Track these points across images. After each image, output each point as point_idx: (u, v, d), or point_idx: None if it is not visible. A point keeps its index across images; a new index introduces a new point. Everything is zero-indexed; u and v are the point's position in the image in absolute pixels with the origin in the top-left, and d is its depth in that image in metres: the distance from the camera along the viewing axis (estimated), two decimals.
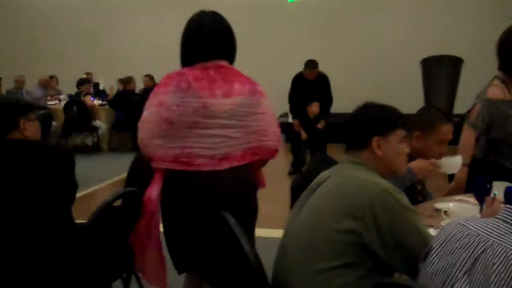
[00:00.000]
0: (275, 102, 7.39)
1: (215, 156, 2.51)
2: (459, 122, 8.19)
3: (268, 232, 4.96)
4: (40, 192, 2.37)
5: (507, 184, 2.69)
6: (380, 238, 1.91)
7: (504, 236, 1.42)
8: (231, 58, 2.67)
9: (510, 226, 1.45)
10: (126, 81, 10.43)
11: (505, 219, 1.47)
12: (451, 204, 2.68)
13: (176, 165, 2.51)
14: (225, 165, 2.52)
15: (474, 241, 1.47)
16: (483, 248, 1.43)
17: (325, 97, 7.84)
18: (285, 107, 8.25)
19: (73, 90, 10.86)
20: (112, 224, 2.44)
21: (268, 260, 2.04)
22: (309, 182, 2.86)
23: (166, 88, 2.54)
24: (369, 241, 1.91)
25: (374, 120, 2.15)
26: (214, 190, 2.50)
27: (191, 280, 2.72)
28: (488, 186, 2.48)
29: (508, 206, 1.50)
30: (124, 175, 6.64)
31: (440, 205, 2.71)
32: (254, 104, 2.59)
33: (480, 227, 1.49)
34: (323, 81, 7.86)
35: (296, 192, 3.12)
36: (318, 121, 7.81)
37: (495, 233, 1.45)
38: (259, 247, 2.18)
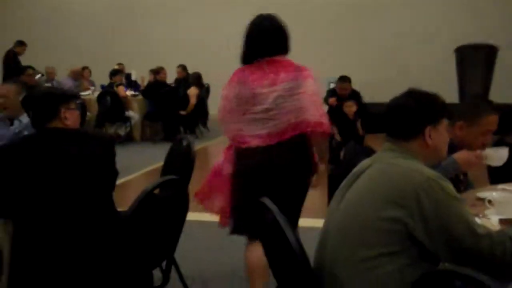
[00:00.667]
0: None
1: (260, 135, 3.10)
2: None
3: (305, 222, 4.94)
4: (83, 179, 2.40)
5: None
6: (425, 227, 1.88)
7: None
8: (284, 51, 3.19)
9: None
10: (156, 72, 10.48)
11: None
12: (494, 193, 2.63)
13: (235, 143, 3.24)
14: (268, 142, 3.09)
15: None
16: None
17: (359, 113, 7.76)
18: None
19: (106, 81, 10.95)
20: (152, 212, 2.45)
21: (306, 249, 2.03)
22: (348, 170, 2.85)
23: (229, 83, 3.23)
24: (414, 230, 1.89)
25: (427, 108, 2.11)
26: (261, 161, 3.09)
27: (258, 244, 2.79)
28: None
29: None
30: (156, 164, 6.76)
31: (483, 194, 2.66)
32: (295, 87, 3.06)
33: None
34: (355, 97, 7.83)
35: (334, 180, 3.10)
36: (355, 122, 7.72)
37: None
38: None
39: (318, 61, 8.04)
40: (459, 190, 2.81)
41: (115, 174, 2.55)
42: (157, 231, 2.58)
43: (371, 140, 7.09)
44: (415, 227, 1.89)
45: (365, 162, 2.18)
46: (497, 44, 10.12)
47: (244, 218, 3.14)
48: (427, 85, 4.53)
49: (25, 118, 3.87)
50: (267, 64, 3.11)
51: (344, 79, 7.81)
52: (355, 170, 2.19)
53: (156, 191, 2.65)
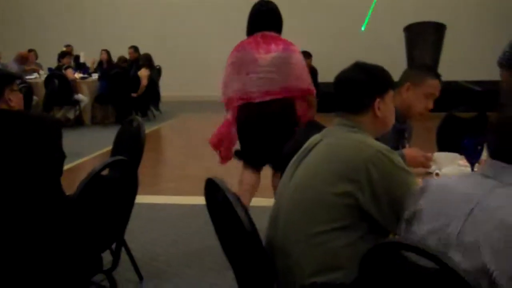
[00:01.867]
0: None
1: (261, 92, 3.89)
2: (443, 88, 8.09)
3: (259, 202, 4.94)
4: (29, 162, 2.32)
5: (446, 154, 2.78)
6: (375, 200, 1.89)
7: (490, 193, 1.43)
8: (275, 29, 4.03)
9: (494, 181, 1.45)
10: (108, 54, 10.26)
11: (488, 174, 1.49)
12: (444, 169, 2.66)
13: (241, 100, 3.98)
14: (267, 98, 3.89)
15: (462, 200, 1.47)
16: (471, 207, 1.43)
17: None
18: None
19: (54, 64, 10.67)
20: (100, 194, 2.39)
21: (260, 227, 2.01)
22: (300, 147, 2.85)
23: (233, 53, 4.06)
24: (364, 203, 1.90)
25: (375, 81, 2.11)
26: (261, 113, 3.92)
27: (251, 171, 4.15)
28: (480, 148, 2.46)
29: (489, 161, 1.51)
30: (107, 148, 6.60)
31: (433, 166, 2.70)
32: (286, 57, 3.91)
33: (463, 186, 1.51)
34: (312, 74, 7.82)
35: (287, 159, 3.09)
36: None
37: (480, 191, 1.45)
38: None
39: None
40: None
41: (61, 157, 2.47)
42: (105, 213, 2.52)
43: (325, 120, 7.13)
44: (365, 200, 1.90)
45: (315, 137, 2.17)
46: (445, 22, 10.29)
47: (244, 153, 4.14)
48: (379, 63, 4.65)
49: None
50: (260, 37, 3.96)
51: (304, 55, 7.76)
52: (305, 145, 2.18)
53: (105, 172, 2.59)
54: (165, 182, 6.20)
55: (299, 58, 3.98)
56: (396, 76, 3.79)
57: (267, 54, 3.90)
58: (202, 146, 8.13)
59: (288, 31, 4.23)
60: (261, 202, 4.35)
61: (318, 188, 1.96)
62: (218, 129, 4.25)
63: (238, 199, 1.97)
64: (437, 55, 10.29)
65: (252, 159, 4.11)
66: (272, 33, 3.99)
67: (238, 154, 4.21)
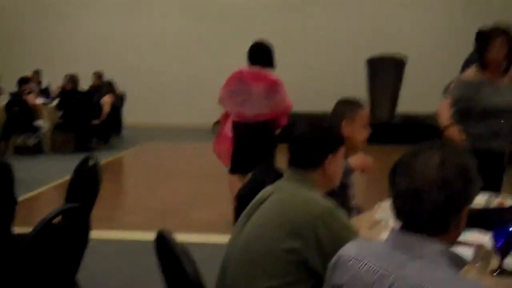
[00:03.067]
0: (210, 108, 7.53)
1: (253, 114, 5.15)
2: (402, 122, 8.37)
3: (209, 238, 4.95)
4: None
5: None
6: (322, 257, 1.93)
7: (404, 269, 1.41)
8: (266, 65, 5.25)
9: (404, 256, 1.43)
10: (72, 80, 10.13)
11: (397, 245, 1.47)
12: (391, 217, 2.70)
13: (236, 117, 5.27)
14: (258, 119, 5.17)
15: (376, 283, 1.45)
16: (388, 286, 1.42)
17: None
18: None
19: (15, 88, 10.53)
20: (51, 240, 2.38)
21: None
22: (254, 191, 2.89)
23: (230, 80, 5.27)
24: (311, 260, 1.94)
25: (328, 138, 2.17)
26: (251, 129, 5.19)
27: (238, 178, 5.25)
28: None
29: (395, 230, 1.49)
30: (66, 177, 6.49)
31: (379, 215, 2.75)
32: (273, 91, 5.14)
33: (379, 261, 1.48)
34: None
35: (241, 202, 3.13)
36: None
37: (394, 266, 1.43)
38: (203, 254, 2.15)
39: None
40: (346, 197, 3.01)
41: (12, 202, 2.46)
42: (57, 259, 2.50)
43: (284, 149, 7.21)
44: (311, 257, 1.94)
45: (267, 190, 2.21)
46: (406, 56, 10.54)
47: (235, 162, 5.33)
48: (338, 93, 4.82)
49: None
50: (254, 70, 5.19)
51: None
52: (257, 197, 2.21)
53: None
54: (122, 215, 6.16)
55: (283, 91, 5.22)
56: None
57: (259, 85, 5.12)
58: (163, 176, 8.16)
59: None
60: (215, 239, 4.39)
61: (267, 243, 1.99)
62: (222, 145, 5.50)
63: (186, 253, 2.00)
64: (397, 88, 10.54)
65: (243, 167, 5.14)
66: (262, 69, 5.21)
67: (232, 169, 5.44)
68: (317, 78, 12.27)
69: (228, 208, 6.05)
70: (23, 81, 10.10)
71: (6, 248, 2.36)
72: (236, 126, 5.30)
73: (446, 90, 4.16)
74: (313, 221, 1.94)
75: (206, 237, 5.12)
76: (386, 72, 10.42)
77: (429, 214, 1.42)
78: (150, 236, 4.93)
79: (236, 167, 5.35)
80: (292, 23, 12.74)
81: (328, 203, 2.02)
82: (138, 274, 4.27)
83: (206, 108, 12.47)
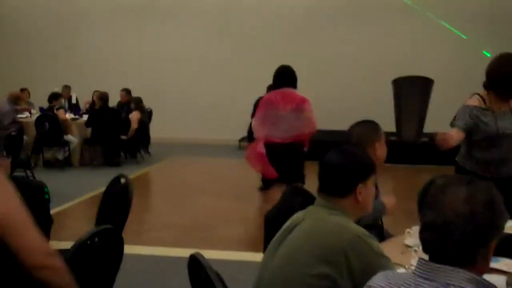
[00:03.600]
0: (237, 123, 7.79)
1: (281, 136, 5.73)
2: (430, 142, 8.32)
3: (236, 255, 4.96)
4: None
5: None
6: (353, 283, 1.96)
7: None
8: (293, 85, 5.88)
9: (433, 283, 1.45)
10: (104, 98, 10.28)
11: (426, 276, 1.48)
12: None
13: (266, 140, 5.83)
14: (285, 141, 5.75)
15: None
16: None
17: None
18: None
19: (45, 103, 10.72)
20: (87, 260, 2.43)
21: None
22: (283, 213, 2.94)
23: (261, 106, 5.92)
24: (342, 285, 1.96)
25: (359, 167, 2.19)
26: (281, 150, 5.77)
27: (278, 187, 5.59)
28: None
29: (424, 260, 1.51)
30: (96, 191, 6.58)
31: (409, 241, 2.76)
32: (301, 110, 5.71)
33: None
34: None
35: (270, 224, 3.17)
36: None
37: None
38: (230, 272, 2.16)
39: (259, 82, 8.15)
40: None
41: (49, 222, 2.53)
42: (92, 277, 2.55)
43: (314, 167, 7.25)
44: (343, 283, 1.96)
45: (298, 216, 2.24)
46: (432, 77, 10.51)
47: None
48: (365, 114, 4.85)
49: None
50: (281, 93, 5.73)
51: None
52: (288, 223, 2.24)
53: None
54: (150, 231, 6.22)
55: (309, 109, 5.77)
56: (386, 124, 4.04)
57: (286, 108, 5.66)
58: (189, 191, 8.23)
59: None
60: (257, 257, 4.41)
61: (299, 268, 2.03)
62: (259, 161, 6.06)
63: (219, 276, 2.04)
64: (425, 108, 10.48)
65: (280, 178, 5.91)
66: (290, 89, 5.79)
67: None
68: (343, 98, 12.28)
69: (254, 225, 6.12)
70: (53, 97, 10.29)
71: None
72: (268, 146, 5.90)
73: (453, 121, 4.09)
74: (344, 248, 1.97)
75: (233, 254, 5.16)
76: (412, 92, 10.37)
77: (456, 246, 1.45)
78: (178, 252, 5.06)
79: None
80: (319, 44, 12.78)
81: (360, 230, 2.05)
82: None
83: (232, 125, 12.57)
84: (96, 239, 2.39)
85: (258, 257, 4.59)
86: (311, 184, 3.09)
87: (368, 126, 3.17)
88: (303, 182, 5.82)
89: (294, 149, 5.85)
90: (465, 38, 11.92)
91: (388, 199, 3.02)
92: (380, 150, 3.04)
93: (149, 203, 8.15)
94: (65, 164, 9.89)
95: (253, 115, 7.98)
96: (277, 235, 2.25)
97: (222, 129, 13.05)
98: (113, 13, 13.69)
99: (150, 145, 11.25)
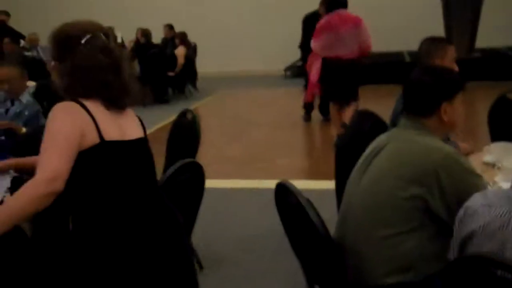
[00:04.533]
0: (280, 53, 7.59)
1: (347, 51, 6.06)
2: (482, 56, 7.99)
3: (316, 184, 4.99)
4: None
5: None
6: (445, 203, 1.96)
7: None
8: (345, 6, 6.21)
9: None
10: (145, 33, 10.28)
11: None
12: (499, 158, 2.67)
13: (330, 57, 6.20)
14: (351, 56, 6.09)
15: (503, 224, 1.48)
16: None
17: None
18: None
19: None
20: (176, 194, 2.45)
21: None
22: (353, 139, 2.95)
23: (322, 26, 6.20)
24: (434, 206, 1.97)
25: (442, 85, 2.14)
26: (343, 66, 6.13)
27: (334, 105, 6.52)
28: None
29: None
30: (150, 129, 6.65)
31: (489, 157, 2.73)
32: (358, 27, 6.05)
33: (508, 203, 1.50)
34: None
35: (341, 151, 3.18)
36: None
37: None
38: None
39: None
40: None
41: None
42: (180, 210, 2.55)
43: (369, 90, 7.22)
44: (435, 203, 1.97)
45: (381, 139, 2.23)
46: None
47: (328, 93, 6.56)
48: (415, 31, 4.63)
49: (25, 98, 3.94)
50: (338, 14, 6.07)
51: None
52: (372, 148, 2.23)
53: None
54: (210, 165, 6.30)
55: (365, 27, 6.07)
56: None
57: (345, 27, 5.99)
58: (241, 124, 8.26)
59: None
60: (319, 185, 4.46)
61: (388, 191, 2.03)
62: (313, 78, 6.67)
63: (310, 202, 2.07)
64: (476, 21, 10.13)
65: (336, 96, 6.38)
66: (344, 10, 6.15)
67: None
68: (391, 16, 11.93)
69: (312, 154, 6.15)
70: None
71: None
72: (327, 64, 6.28)
73: None
74: (435, 168, 1.96)
75: (296, 183, 5.20)
76: (463, 4, 10.00)
77: None
78: (238, 184, 5.12)
79: (330, 96, 6.53)
80: None
81: (449, 149, 2.03)
82: (232, 221, 4.42)
83: (276, 55, 12.43)
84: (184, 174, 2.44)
85: (322, 184, 4.66)
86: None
87: (432, 42, 3.15)
88: (356, 99, 6.28)
89: (354, 66, 6.16)
90: None
91: (463, 145, 2.94)
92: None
93: (204, 137, 8.20)
94: None
95: (305, 33, 7.90)
96: (361, 160, 2.25)
97: (266, 59, 12.93)
98: None
99: (197, 80, 11.27)
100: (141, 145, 2.04)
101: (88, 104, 1.91)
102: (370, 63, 7.23)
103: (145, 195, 2.00)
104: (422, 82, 2.16)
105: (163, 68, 10.15)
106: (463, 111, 2.20)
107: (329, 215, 2.34)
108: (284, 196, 2.18)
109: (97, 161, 1.88)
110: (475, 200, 1.62)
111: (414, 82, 2.18)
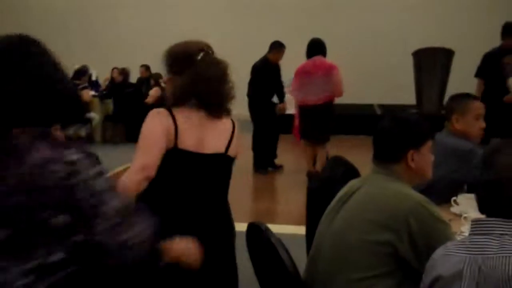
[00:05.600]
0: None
1: (314, 97, 6.48)
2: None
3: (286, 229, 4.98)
4: None
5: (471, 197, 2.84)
6: (414, 249, 1.99)
7: (488, 248, 1.50)
8: (323, 54, 6.64)
9: (487, 237, 1.52)
10: (124, 72, 10.33)
11: (479, 232, 1.55)
12: (470, 212, 2.72)
13: (302, 102, 6.72)
14: (318, 102, 6.49)
15: (466, 267, 1.53)
16: (477, 267, 1.50)
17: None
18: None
19: None
20: None
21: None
22: (325, 185, 2.98)
23: (298, 73, 6.70)
24: (403, 252, 1.99)
25: (409, 133, 2.20)
26: (314, 110, 6.57)
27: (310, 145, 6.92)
28: None
29: (475, 219, 1.58)
30: (119, 167, 6.58)
31: (456, 209, 2.79)
32: (330, 75, 6.39)
33: (464, 250, 1.56)
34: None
35: (313, 194, 3.21)
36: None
37: (478, 249, 1.52)
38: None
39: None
40: None
41: None
42: None
43: (338, 141, 7.31)
44: (404, 250, 1.99)
45: (354, 184, 2.26)
46: (453, 48, 10.43)
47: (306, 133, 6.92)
48: (387, 87, 4.74)
49: None
50: (313, 61, 6.52)
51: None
52: (344, 191, 2.26)
53: None
54: None
55: (337, 74, 6.42)
56: (407, 96, 4.04)
57: (317, 74, 6.38)
58: None
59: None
60: (289, 230, 4.46)
61: (358, 235, 2.06)
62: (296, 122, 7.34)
63: (280, 242, 2.08)
64: (445, 80, 10.43)
65: (311, 136, 6.80)
66: (320, 57, 6.55)
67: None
68: (365, 72, 12.21)
69: (280, 197, 6.14)
70: (81, 73, 10.24)
71: None
72: (302, 109, 6.81)
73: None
74: (405, 214, 1.99)
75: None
76: (433, 63, 10.31)
77: (509, 201, 1.53)
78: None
79: (305, 136, 6.94)
80: (336, 17, 12.70)
81: (420, 197, 2.07)
82: None
83: (244, 98, 12.55)
84: None
85: (292, 229, 4.64)
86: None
87: (454, 99, 3.28)
88: (327, 140, 6.74)
89: (323, 110, 6.54)
90: (485, 7, 11.78)
91: None
92: (462, 123, 3.14)
93: None
94: (88, 141, 9.96)
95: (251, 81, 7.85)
96: (333, 203, 2.28)
97: (236, 103, 13.00)
98: None
99: None
100: (215, 160, 2.31)
101: (178, 112, 2.26)
102: (342, 114, 7.40)
103: (207, 208, 2.28)
104: (389, 129, 2.23)
105: (137, 107, 10.14)
106: (432, 159, 2.26)
107: (299, 260, 2.35)
108: (256, 236, 2.19)
109: (168, 165, 2.19)
110: (438, 251, 1.68)
111: (382, 129, 2.25)
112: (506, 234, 1.49)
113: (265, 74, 7.59)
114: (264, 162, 7.74)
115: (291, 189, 6.85)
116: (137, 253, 1.50)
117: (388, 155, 2.21)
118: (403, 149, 2.18)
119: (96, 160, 1.51)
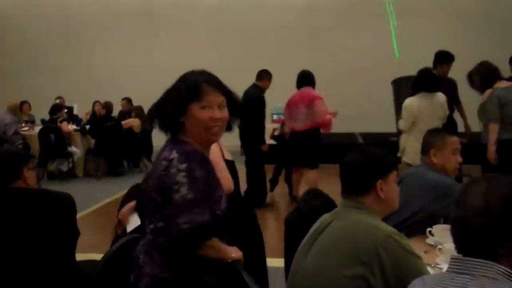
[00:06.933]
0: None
1: (300, 125, 6.86)
2: None
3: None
4: (44, 239, 2.41)
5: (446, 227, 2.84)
6: (385, 282, 2.00)
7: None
8: (311, 85, 7.01)
9: (466, 276, 1.49)
10: (107, 106, 10.34)
11: (458, 270, 1.52)
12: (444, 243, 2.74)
13: (292, 129, 7.06)
14: (305, 128, 6.82)
15: None
16: None
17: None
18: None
19: (46, 115, 10.70)
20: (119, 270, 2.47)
21: None
22: (303, 217, 3.00)
23: (288, 104, 7.15)
24: (376, 286, 2.00)
25: (376, 164, 2.25)
26: (301, 137, 6.89)
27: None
28: None
29: (454, 257, 1.55)
30: (103, 202, 6.57)
31: (431, 240, 2.81)
32: (311, 105, 6.75)
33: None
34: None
35: (290, 226, 3.22)
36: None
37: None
38: None
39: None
40: None
41: (76, 233, 2.57)
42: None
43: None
44: (376, 283, 2.00)
45: (325, 218, 2.28)
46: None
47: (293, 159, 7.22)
48: (367, 116, 4.75)
49: None
50: (301, 92, 6.93)
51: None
52: (317, 225, 2.29)
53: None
54: None
55: (319, 104, 6.74)
56: (388, 124, 4.10)
57: (302, 105, 6.80)
58: None
59: None
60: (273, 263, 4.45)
61: (332, 269, 2.07)
62: None
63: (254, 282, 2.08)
64: None
65: (298, 162, 7.10)
66: (307, 89, 6.91)
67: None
68: (346, 101, 12.31)
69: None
70: (56, 109, 10.26)
71: (74, 277, 2.46)
72: (291, 136, 7.16)
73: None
74: (376, 247, 2.01)
75: None
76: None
77: (473, 240, 1.50)
78: None
79: (293, 162, 7.24)
80: (321, 51, 12.85)
81: (391, 229, 2.09)
82: None
83: (235, 132, 12.57)
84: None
85: (272, 262, 4.59)
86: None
87: (432, 134, 3.36)
88: (316, 167, 6.97)
89: (310, 136, 6.86)
90: (463, 38, 12.00)
91: None
92: (440, 157, 3.21)
93: None
94: (69, 175, 9.90)
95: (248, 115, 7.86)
96: (307, 237, 2.30)
97: (224, 136, 13.03)
98: (112, 24, 13.76)
99: (153, 154, 11.25)
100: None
101: None
102: (324, 143, 7.42)
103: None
104: (357, 161, 2.27)
105: (119, 141, 10.13)
106: (397, 189, 2.31)
107: None
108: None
109: None
110: (414, 284, 1.66)
111: (350, 163, 2.29)
112: (485, 277, 1.46)
113: (262, 102, 7.57)
114: (259, 197, 7.55)
115: (274, 221, 6.85)
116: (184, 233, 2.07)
117: (358, 187, 2.24)
118: (372, 180, 2.22)
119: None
